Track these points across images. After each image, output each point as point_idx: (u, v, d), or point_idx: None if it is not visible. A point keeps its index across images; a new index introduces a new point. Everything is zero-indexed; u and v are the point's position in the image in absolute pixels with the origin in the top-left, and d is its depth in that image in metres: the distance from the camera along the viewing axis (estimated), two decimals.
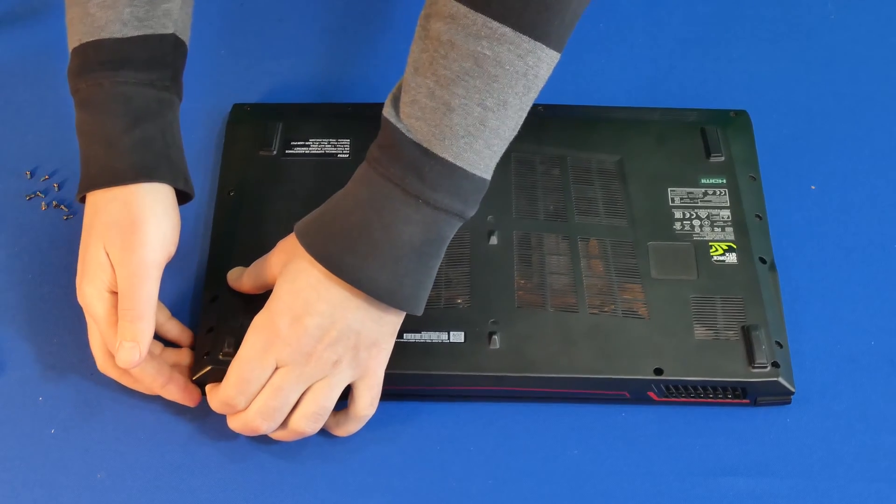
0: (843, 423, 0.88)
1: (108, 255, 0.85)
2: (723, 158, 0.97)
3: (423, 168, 0.79)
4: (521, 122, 0.81)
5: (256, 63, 1.06)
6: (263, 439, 0.87)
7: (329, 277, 0.81)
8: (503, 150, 0.81)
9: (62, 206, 0.99)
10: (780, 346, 0.88)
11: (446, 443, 0.87)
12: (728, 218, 0.94)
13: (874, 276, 0.96)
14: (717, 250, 0.92)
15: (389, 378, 0.87)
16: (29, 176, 1.01)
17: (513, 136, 0.81)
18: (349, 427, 0.86)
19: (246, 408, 0.84)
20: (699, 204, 0.95)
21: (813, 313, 0.93)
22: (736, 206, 0.95)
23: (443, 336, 0.88)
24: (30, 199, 1.00)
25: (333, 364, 0.82)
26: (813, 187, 1.00)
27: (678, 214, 0.94)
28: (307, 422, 0.83)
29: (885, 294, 0.95)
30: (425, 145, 0.79)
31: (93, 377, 0.90)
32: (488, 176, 0.81)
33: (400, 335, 0.87)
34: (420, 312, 0.82)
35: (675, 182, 0.96)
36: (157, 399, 0.89)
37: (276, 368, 0.83)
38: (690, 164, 0.97)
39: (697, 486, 0.85)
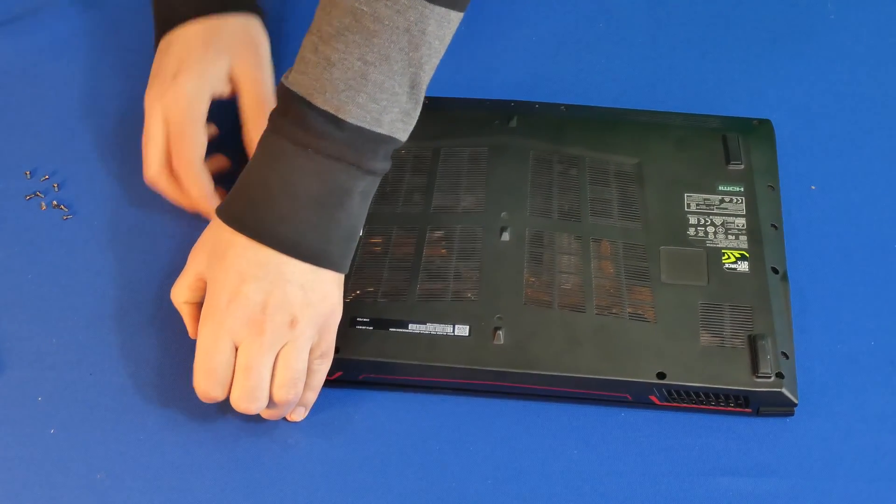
0: (844, 424, 0.95)
1: (230, 68, 1.03)
2: (742, 166, 1.05)
3: (307, 119, 0.89)
4: (420, 79, 0.89)
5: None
6: (263, 438, 0.94)
7: (253, 242, 0.90)
8: (406, 107, 0.90)
9: (62, 206, 1.07)
10: (787, 357, 0.95)
11: (446, 443, 0.94)
12: (743, 226, 1.01)
13: (874, 277, 1.03)
14: (729, 258, 0.99)
15: (392, 367, 0.95)
16: (28, 176, 1.10)
17: (417, 94, 0.90)
18: (305, 397, 0.94)
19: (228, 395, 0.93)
20: (715, 211, 1.02)
21: (813, 313, 1.00)
22: (752, 214, 1.02)
23: (447, 329, 0.96)
24: (29, 199, 1.08)
25: (290, 325, 0.90)
26: (813, 188, 1.07)
27: (693, 220, 1.02)
28: (286, 390, 0.91)
29: (884, 294, 1.02)
30: (308, 98, 0.89)
31: (92, 377, 0.98)
32: (382, 130, 0.89)
33: (405, 325, 0.96)
34: (339, 269, 0.92)
35: (692, 188, 1.04)
36: (158, 399, 0.97)
37: (237, 349, 0.91)
38: (709, 171, 1.05)
39: (697, 486, 0.92)
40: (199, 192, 1.02)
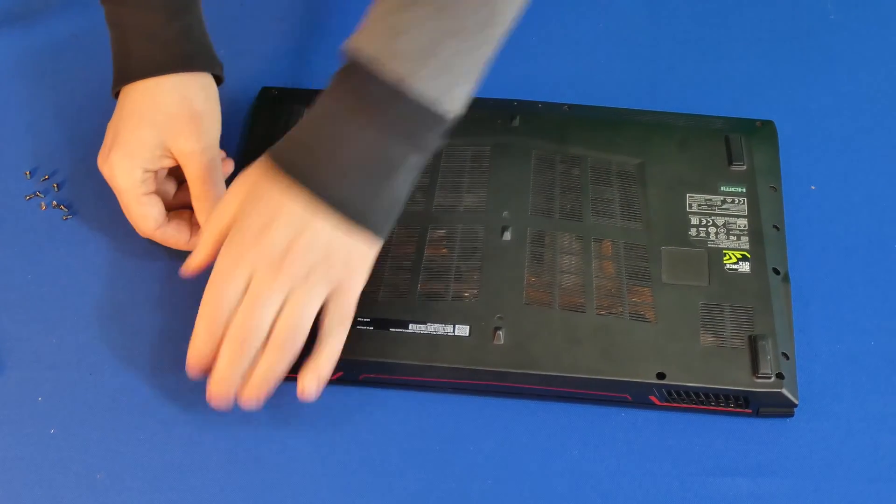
0: (844, 424, 0.97)
1: (164, 142, 1.00)
2: (744, 167, 1.07)
3: (367, 87, 0.89)
4: (486, 58, 0.90)
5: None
6: (263, 438, 0.96)
7: (294, 188, 0.91)
8: (467, 87, 0.91)
9: (62, 206, 1.09)
10: (787, 357, 0.97)
11: (446, 443, 0.96)
12: (745, 227, 1.03)
13: (874, 277, 1.05)
14: (730, 258, 1.01)
15: (392, 368, 0.97)
16: (28, 176, 1.11)
17: (479, 73, 0.91)
18: (318, 362, 0.93)
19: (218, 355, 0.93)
20: (717, 211, 1.04)
21: (813, 314, 1.02)
22: (754, 215, 1.04)
23: (448, 329, 0.98)
24: (29, 199, 1.10)
25: (307, 275, 0.92)
26: (813, 188, 1.09)
27: (695, 221, 1.03)
28: (285, 335, 0.91)
29: (884, 294, 1.04)
30: (371, 66, 0.89)
31: (92, 377, 0.99)
32: (440, 107, 0.90)
33: (405, 325, 0.98)
34: (376, 234, 0.93)
35: (694, 188, 1.05)
36: (157, 399, 0.98)
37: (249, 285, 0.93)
38: (711, 172, 1.07)
39: (698, 486, 0.94)
40: (176, 245, 1.04)
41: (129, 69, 1.03)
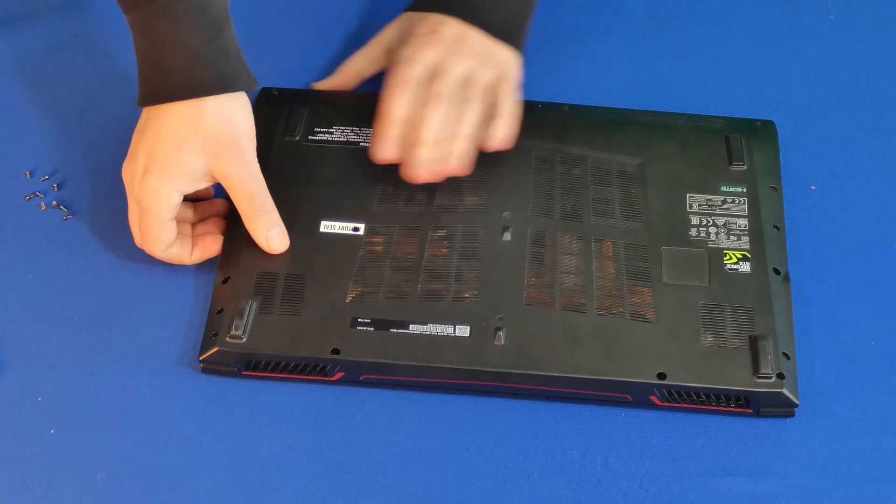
0: (845, 424, 0.97)
1: (207, 166, 1.01)
2: (744, 167, 1.07)
3: None
4: None
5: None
6: (263, 439, 0.96)
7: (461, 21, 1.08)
8: None
9: (62, 207, 1.09)
10: (787, 357, 0.97)
11: (446, 443, 0.97)
12: (745, 227, 1.03)
13: (874, 277, 1.05)
14: (731, 258, 1.02)
15: (392, 368, 0.97)
16: (28, 176, 1.11)
17: None
18: (502, 119, 1.06)
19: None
20: (717, 211, 1.04)
21: (813, 314, 1.02)
22: (754, 215, 1.04)
23: (448, 329, 0.98)
24: (29, 199, 1.10)
25: (480, 55, 1.07)
26: (813, 187, 1.09)
27: (695, 221, 1.04)
28: (476, 90, 1.06)
29: (884, 294, 1.04)
30: None
31: (92, 377, 1.00)
32: None
33: (405, 326, 0.98)
34: (516, 44, 1.08)
35: (694, 188, 1.06)
36: (157, 399, 0.98)
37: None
38: (712, 172, 1.07)
39: (698, 486, 0.94)
40: (179, 262, 1.04)
41: (168, 87, 1.00)
